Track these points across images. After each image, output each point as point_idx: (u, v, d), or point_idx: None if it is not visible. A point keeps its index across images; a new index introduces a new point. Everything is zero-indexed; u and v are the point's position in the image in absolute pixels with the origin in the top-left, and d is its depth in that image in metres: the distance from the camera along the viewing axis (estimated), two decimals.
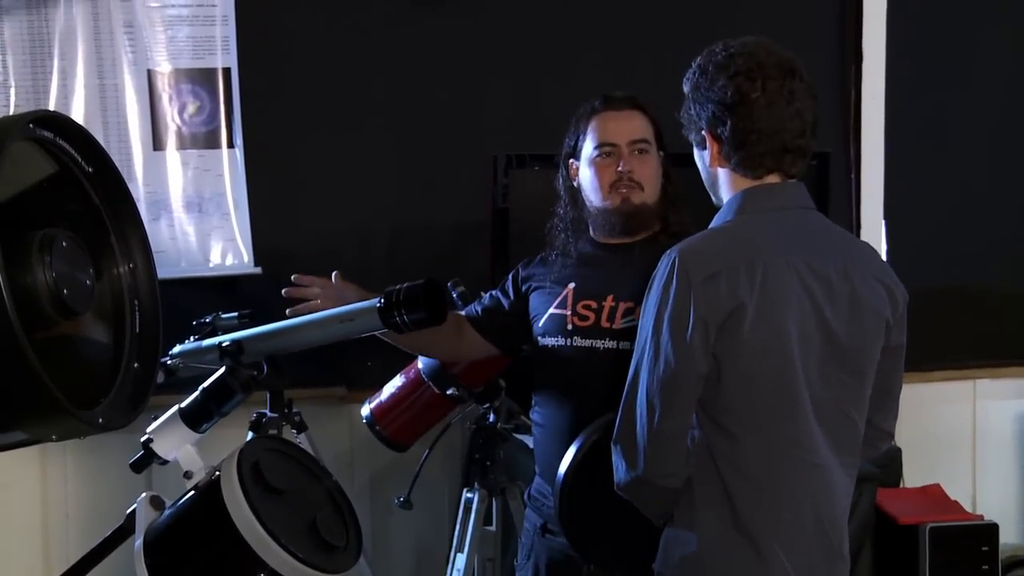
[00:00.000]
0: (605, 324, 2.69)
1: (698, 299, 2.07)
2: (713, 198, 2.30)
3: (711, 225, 2.25)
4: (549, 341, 2.76)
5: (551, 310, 2.77)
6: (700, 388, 2.11)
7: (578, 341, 2.71)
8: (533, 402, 2.83)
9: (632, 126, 2.74)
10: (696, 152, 2.29)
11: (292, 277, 2.82)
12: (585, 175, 2.76)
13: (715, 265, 2.09)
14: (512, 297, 2.90)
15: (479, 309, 2.95)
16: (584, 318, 2.71)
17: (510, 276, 2.94)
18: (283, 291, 2.81)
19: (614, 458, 2.20)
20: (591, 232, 2.80)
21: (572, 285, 2.76)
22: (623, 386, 2.20)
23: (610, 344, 2.67)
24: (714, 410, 2.13)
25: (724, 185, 2.24)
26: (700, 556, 2.17)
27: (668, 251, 2.15)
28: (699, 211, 2.41)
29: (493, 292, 2.96)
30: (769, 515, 2.15)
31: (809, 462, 2.16)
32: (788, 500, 2.16)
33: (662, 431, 2.11)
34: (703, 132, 2.21)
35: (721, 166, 2.22)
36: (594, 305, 2.71)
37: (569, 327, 2.72)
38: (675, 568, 2.21)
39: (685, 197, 2.77)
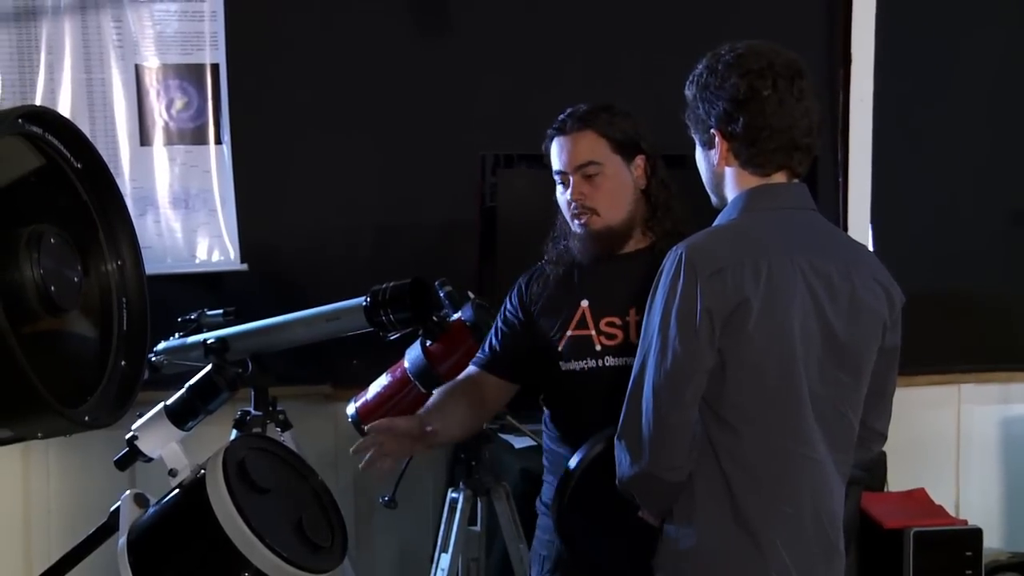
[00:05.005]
0: (634, 340, 2.46)
1: (704, 292, 2.08)
2: (714, 199, 2.31)
3: (716, 223, 2.26)
4: (576, 365, 2.60)
5: (570, 332, 2.61)
6: (705, 382, 2.12)
7: (611, 361, 2.58)
8: (550, 426, 2.69)
9: (576, 151, 2.58)
10: (701, 152, 2.29)
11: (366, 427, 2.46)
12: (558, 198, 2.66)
13: (721, 261, 2.11)
14: (523, 319, 2.69)
15: (491, 353, 2.71)
16: (612, 336, 2.59)
17: (509, 302, 2.74)
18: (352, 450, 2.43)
19: (617, 453, 2.20)
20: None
21: (586, 303, 2.62)
22: None
23: None
24: (717, 404, 2.14)
25: (730, 183, 2.24)
26: (700, 549, 2.17)
27: (674, 248, 2.15)
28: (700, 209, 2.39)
29: (496, 330, 2.73)
30: (769, 508, 2.16)
31: (808, 456, 2.17)
32: (788, 494, 2.17)
33: (669, 423, 2.12)
34: (712, 131, 2.22)
35: (729, 165, 2.22)
36: (618, 322, 2.59)
37: (598, 348, 2.59)
38: (675, 562, 2.21)
39: (677, 197, 2.66)
